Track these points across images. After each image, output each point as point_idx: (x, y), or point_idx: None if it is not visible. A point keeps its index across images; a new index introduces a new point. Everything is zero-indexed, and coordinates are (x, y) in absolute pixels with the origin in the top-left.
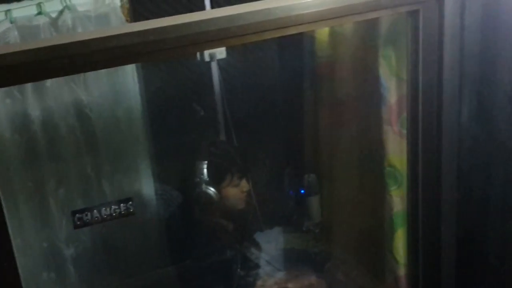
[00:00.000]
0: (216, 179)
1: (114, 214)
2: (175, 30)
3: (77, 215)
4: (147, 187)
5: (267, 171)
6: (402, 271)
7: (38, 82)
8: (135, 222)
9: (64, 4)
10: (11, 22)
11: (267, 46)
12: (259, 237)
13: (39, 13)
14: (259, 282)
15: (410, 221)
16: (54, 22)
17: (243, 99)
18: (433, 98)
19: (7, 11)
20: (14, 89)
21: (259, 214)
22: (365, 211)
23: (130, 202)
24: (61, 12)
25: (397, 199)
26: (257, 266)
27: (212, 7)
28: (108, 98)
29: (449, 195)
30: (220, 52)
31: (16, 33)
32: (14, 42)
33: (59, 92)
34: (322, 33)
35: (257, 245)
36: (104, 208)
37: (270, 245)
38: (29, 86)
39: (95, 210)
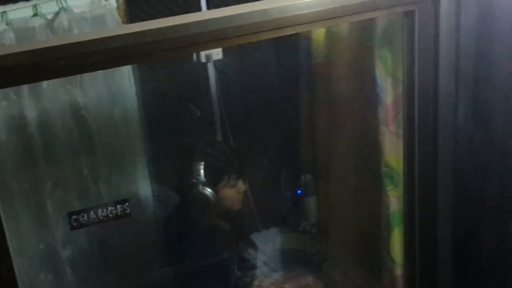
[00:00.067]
0: (212, 180)
1: (110, 216)
2: (171, 31)
3: (73, 216)
4: (144, 188)
5: (263, 171)
6: (399, 270)
7: (34, 84)
8: (132, 223)
9: (60, 6)
10: (7, 24)
11: (264, 47)
12: (256, 237)
13: (35, 14)
14: (256, 283)
15: (407, 221)
16: (50, 24)
17: (240, 100)
18: (429, 98)
19: (3, 13)
20: (10, 91)
21: (256, 214)
22: (362, 211)
23: (127, 203)
24: (57, 14)
25: (394, 199)
26: (254, 266)
27: (208, 8)
28: (104, 99)
29: (446, 195)
30: (217, 53)
31: (12, 34)
32: (10, 44)
33: (55, 94)
34: (318, 33)
35: (254, 246)
36: (100, 210)
37: (267, 245)
38: (25, 88)
39: (91, 212)
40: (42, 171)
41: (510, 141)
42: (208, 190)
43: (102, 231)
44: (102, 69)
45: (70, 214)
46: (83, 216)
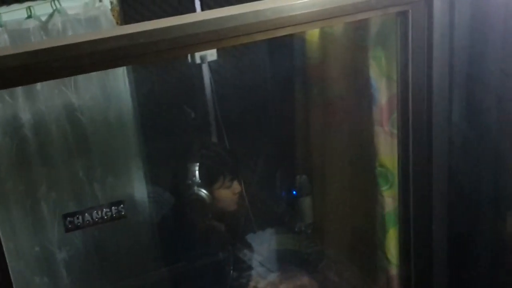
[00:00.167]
0: (208, 181)
1: (105, 217)
2: (165, 32)
3: (68, 218)
4: (139, 189)
5: (258, 172)
6: (394, 270)
7: (28, 86)
8: (128, 224)
9: (54, 8)
10: (1, 26)
11: (258, 48)
12: (252, 238)
13: (29, 16)
14: (252, 284)
15: (402, 221)
16: (44, 26)
17: (234, 101)
18: (423, 98)
19: None
20: (4, 93)
21: (251, 215)
22: (357, 211)
23: (122, 205)
24: (51, 16)
25: (389, 199)
26: (249, 267)
27: (203, 9)
28: (99, 101)
29: (440, 194)
30: (211, 54)
31: (6, 36)
32: (4, 46)
33: (50, 96)
34: (313, 34)
35: (249, 247)
36: (95, 211)
37: (263, 246)
38: (19, 90)
39: (86, 214)
40: (37, 173)
41: (504, 140)
42: (203, 191)
43: (97, 233)
44: (97, 71)
45: (65, 216)
46: (78, 218)
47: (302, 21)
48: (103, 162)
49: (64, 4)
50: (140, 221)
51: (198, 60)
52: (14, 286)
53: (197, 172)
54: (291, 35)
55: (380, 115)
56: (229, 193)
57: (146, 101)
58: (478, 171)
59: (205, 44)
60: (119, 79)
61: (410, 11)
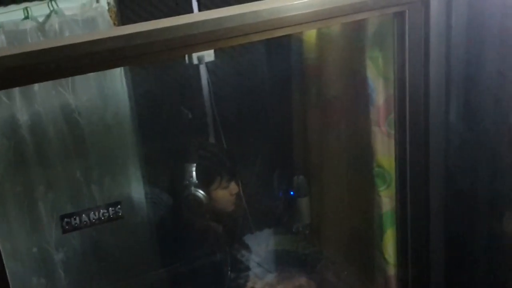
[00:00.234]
0: (205, 182)
1: (103, 218)
2: (163, 33)
3: (65, 219)
4: (137, 190)
5: (256, 173)
6: (392, 270)
7: (26, 87)
8: (125, 225)
9: (51, 9)
10: None
11: (255, 49)
12: (249, 239)
13: (26, 17)
14: (249, 284)
15: (399, 221)
16: (41, 27)
17: (232, 102)
18: (420, 99)
19: None
20: (1, 94)
21: (249, 216)
22: (355, 212)
23: (119, 206)
24: (48, 17)
25: (386, 199)
26: (247, 268)
27: (200, 10)
28: (96, 102)
29: (437, 194)
30: (209, 55)
31: (3, 37)
32: (1, 47)
33: (47, 97)
34: (310, 35)
35: (247, 247)
36: (92, 212)
37: (260, 247)
38: (16, 91)
39: (83, 215)
40: (35, 174)
41: (501, 140)
42: (201, 192)
43: (95, 234)
44: (94, 72)
45: (62, 217)
46: (75, 219)
47: (299, 21)
48: (100, 163)
49: (61, 5)
50: (137, 221)
51: (195, 61)
52: (11, 287)
53: (194, 173)
54: (288, 36)
55: (377, 116)
56: (226, 193)
57: (144, 101)
58: (475, 172)
59: (202, 44)
60: (116, 79)
61: (407, 11)
